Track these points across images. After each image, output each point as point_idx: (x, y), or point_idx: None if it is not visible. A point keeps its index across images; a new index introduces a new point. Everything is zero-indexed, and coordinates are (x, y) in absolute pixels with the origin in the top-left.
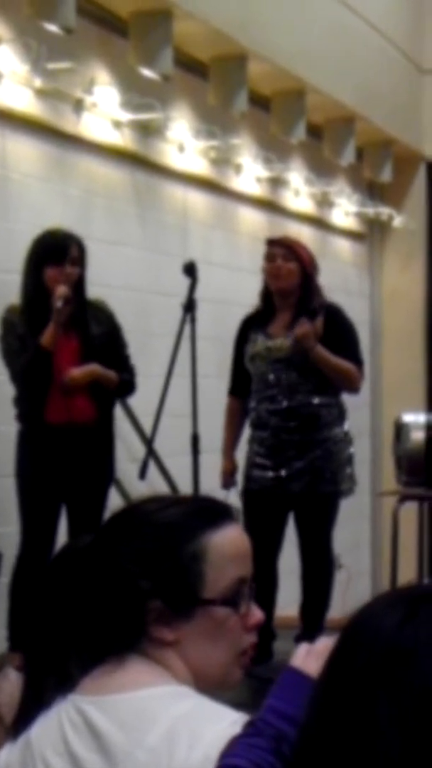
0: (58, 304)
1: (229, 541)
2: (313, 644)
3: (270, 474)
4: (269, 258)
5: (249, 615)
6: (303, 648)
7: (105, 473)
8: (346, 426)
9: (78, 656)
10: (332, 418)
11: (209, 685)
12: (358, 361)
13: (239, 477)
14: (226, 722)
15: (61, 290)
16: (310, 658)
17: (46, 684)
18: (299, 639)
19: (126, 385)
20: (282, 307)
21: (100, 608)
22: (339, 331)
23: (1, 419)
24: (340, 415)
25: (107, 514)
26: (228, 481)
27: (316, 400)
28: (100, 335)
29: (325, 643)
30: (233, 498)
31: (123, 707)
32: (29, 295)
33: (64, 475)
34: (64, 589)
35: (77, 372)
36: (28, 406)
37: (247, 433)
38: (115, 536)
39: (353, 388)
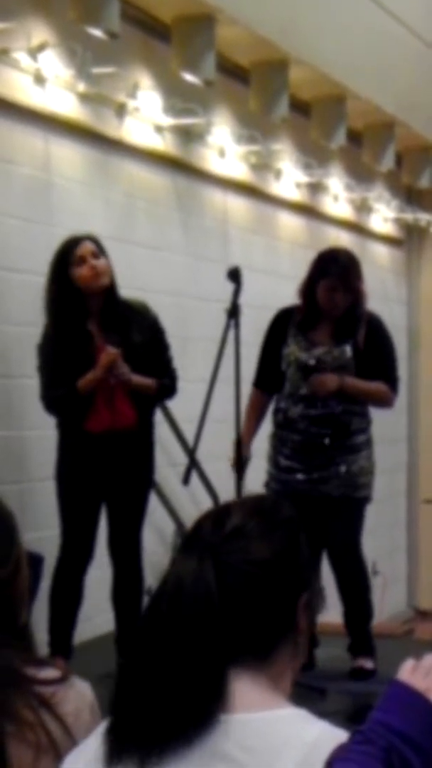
0: (124, 372)
1: None
2: (419, 660)
3: (299, 476)
4: (329, 288)
5: None
6: (409, 663)
7: (145, 476)
8: (370, 433)
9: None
10: (360, 427)
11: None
12: (393, 378)
13: (259, 471)
14: None
15: (110, 356)
16: (417, 673)
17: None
18: (352, 649)
19: (166, 389)
20: (328, 318)
21: (255, 609)
22: (378, 346)
23: (40, 423)
24: (368, 423)
25: (147, 517)
26: (239, 467)
27: (348, 408)
28: (143, 344)
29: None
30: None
31: (247, 729)
32: (53, 297)
33: (104, 477)
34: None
35: (126, 369)
36: (66, 421)
37: (267, 429)
38: (248, 538)
39: (386, 406)
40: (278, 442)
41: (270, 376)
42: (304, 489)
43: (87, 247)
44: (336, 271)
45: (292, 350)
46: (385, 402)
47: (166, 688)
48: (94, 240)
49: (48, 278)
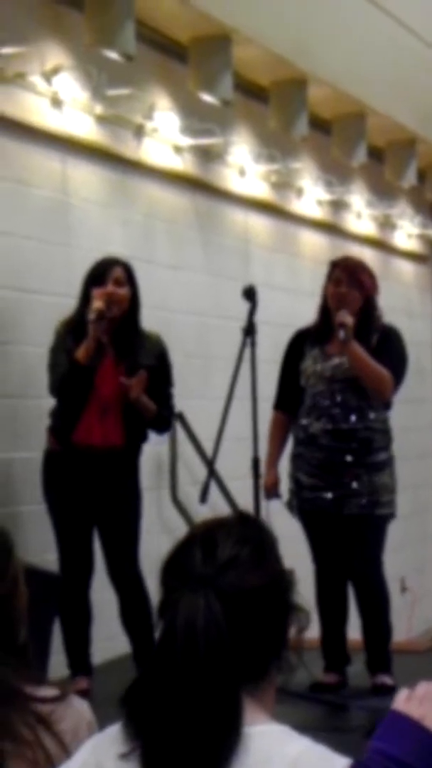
0: (92, 316)
1: None
2: (413, 689)
3: (325, 495)
4: (335, 282)
5: None
6: (404, 693)
7: (131, 499)
8: (392, 451)
9: None
10: (383, 443)
11: None
12: (396, 375)
13: (283, 491)
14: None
15: (96, 304)
16: (412, 702)
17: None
18: (370, 666)
19: (162, 419)
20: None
21: (260, 631)
22: (388, 349)
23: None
24: (389, 440)
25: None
26: (271, 492)
27: (370, 424)
28: (148, 367)
29: (426, 688)
30: (274, 508)
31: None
32: (77, 318)
33: (91, 497)
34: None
35: (134, 381)
36: (60, 421)
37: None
38: (243, 567)
39: (383, 393)
40: (300, 460)
41: (290, 395)
42: (327, 507)
43: (115, 272)
44: (341, 265)
45: (308, 364)
46: (383, 386)
47: (191, 721)
48: (126, 268)
49: (83, 283)
